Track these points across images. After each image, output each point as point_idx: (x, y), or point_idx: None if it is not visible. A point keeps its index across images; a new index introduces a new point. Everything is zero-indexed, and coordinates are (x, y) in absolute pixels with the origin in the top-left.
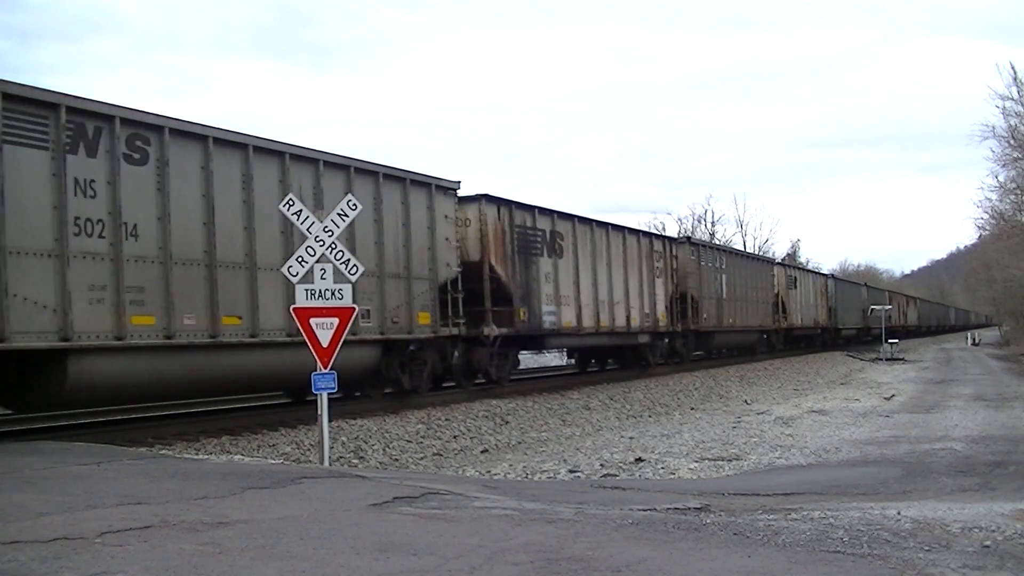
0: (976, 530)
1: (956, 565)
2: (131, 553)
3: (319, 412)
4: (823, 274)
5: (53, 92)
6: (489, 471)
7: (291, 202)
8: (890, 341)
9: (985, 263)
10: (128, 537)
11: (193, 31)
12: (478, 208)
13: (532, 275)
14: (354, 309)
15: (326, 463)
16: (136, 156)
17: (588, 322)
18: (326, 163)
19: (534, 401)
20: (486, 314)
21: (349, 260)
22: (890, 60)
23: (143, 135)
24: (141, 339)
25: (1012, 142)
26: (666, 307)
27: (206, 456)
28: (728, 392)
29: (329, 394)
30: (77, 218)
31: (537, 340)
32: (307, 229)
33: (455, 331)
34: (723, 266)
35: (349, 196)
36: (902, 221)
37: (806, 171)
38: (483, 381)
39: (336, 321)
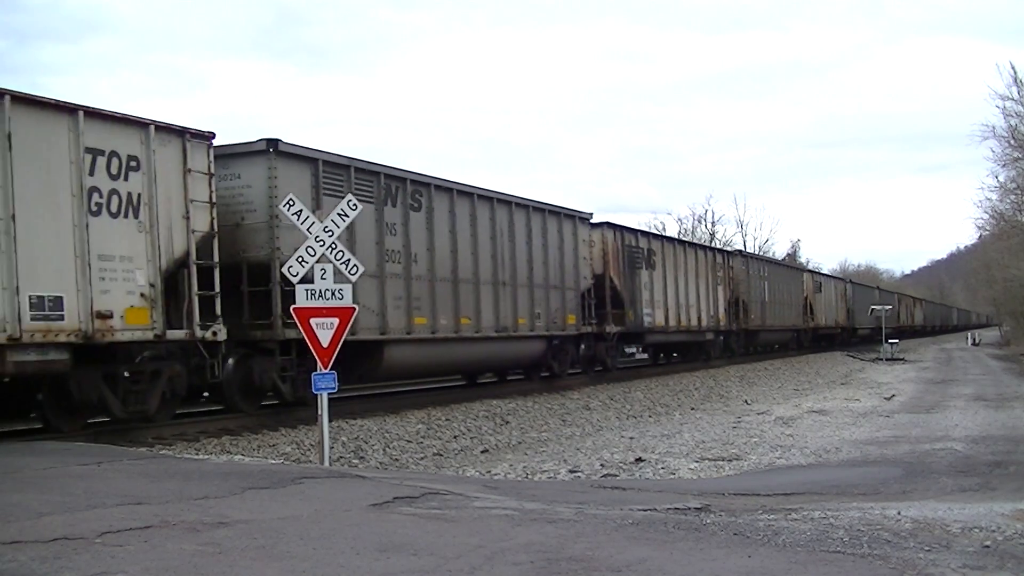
0: (976, 530)
1: (956, 565)
2: (131, 553)
3: (319, 412)
4: (842, 279)
5: (377, 164)
6: (489, 471)
7: (291, 202)
8: (890, 341)
9: (985, 263)
10: (128, 537)
11: (191, 31)
12: (601, 233)
13: (636, 284)
14: (354, 309)
15: (326, 463)
16: (415, 205)
17: (672, 322)
18: (516, 204)
19: (534, 401)
20: (607, 315)
21: (349, 260)
22: (888, 60)
23: (420, 190)
24: (419, 334)
25: (1012, 142)
26: (724, 309)
27: (206, 456)
28: (728, 392)
29: (329, 394)
30: (388, 250)
31: (637, 336)
32: (307, 229)
33: (589, 329)
34: (766, 274)
35: (349, 196)
36: (902, 221)
37: (805, 171)
38: (600, 368)
39: (336, 321)
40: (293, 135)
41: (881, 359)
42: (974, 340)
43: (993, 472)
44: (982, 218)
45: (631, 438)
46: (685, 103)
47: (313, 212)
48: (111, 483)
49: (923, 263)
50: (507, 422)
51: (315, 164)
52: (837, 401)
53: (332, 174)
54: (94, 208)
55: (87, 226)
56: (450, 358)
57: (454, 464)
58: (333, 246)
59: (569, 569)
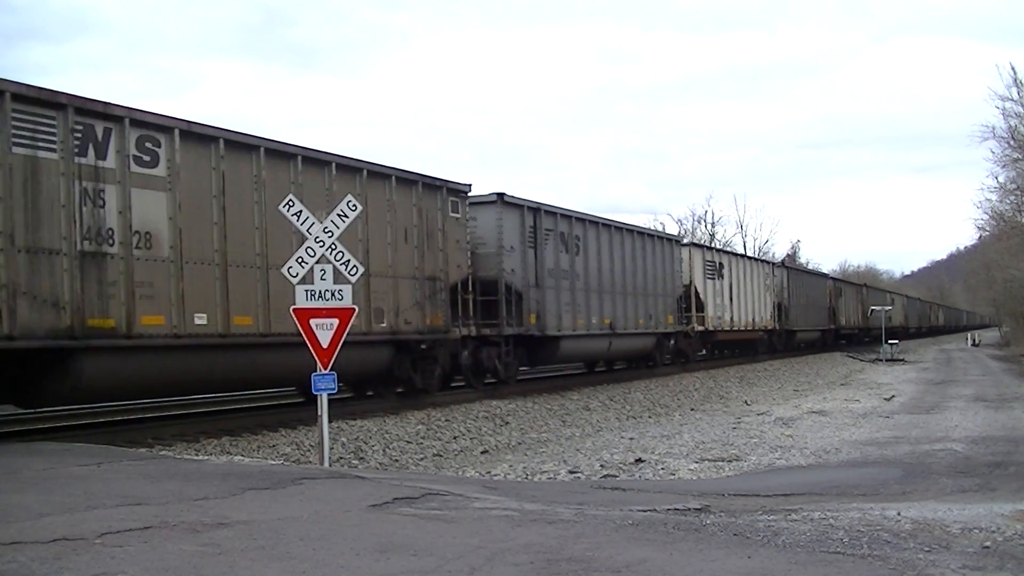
0: (976, 531)
1: (956, 566)
2: (131, 554)
3: (319, 413)
4: (859, 284)
5: (560, 207)
6: (489, 472)
7: (291, 203)
8: (890, 342)
9: (985, 264)
10: (128, 538)
11: (179, 32)
12: (689, 251)
13: (711, 292)
14: (354, 310)
15: (326, 464)
16: (578, 237)
17: (735, 323)
18: (637, 232)
19: (534, 402)
20: (692, 317)
21: (349, 261)
22: (877, 61)
23: (579, 225)
24: (576, 331)
25: (1012, 143)
26: (771, 313)
27: (206, 457)
28: (728, 393)
29: (329, 395)
30: (562, 269)
31: (711, 334)
32: (307, 230)
33: (682, 328)
34: (800, 282)
35: (349, 197)
36: (902, 222)
37: (800, 172)
38: (684, 360)
39: (336, 322)
40: (283, 136)
41: (881, 360)
42: (974, 341)
43: (993, 473)
44: (982, 219)
45: (631, 439)
46: (677, 104)
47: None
48: (111, 484)
49: (923, 264)
50: (507, 423)
51: (522, 210)
52: (837, 402)
53: (530, 215)
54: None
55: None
56: (597, 348)
57: (454, 465)
58: (333, 247)
59: (569, 570)
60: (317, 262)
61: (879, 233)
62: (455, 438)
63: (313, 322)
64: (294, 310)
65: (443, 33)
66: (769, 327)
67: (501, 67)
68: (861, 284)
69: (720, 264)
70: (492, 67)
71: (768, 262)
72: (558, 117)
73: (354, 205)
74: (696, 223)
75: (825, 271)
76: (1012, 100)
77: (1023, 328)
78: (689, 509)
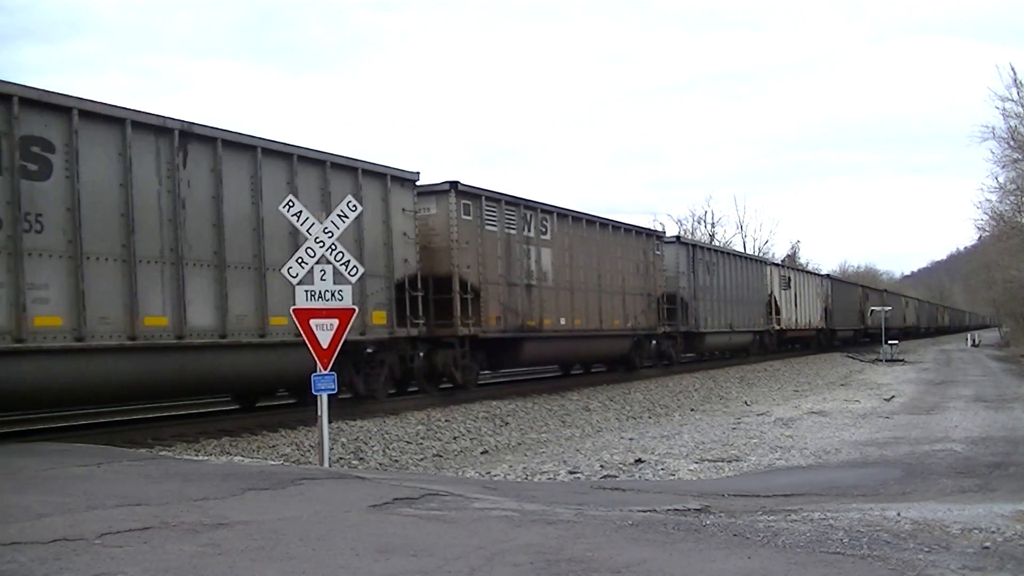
0: (976, 531)
1: (956, 566)
2: (131, 554)
3: (319, 413)
4: (882, 290)
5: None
6: (489, 472)
7: (291, 203)
8: (890, 342)
9: (985, 264)
10: (128, 538)
11: (173, 32)
12: (769, 268)
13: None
14: (354, 310)
15: (326, 464)
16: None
17: (799, 324)
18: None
19: (534, 402)
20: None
21: (349, 261)
22: (874, 61)
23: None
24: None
25: (1012, 143)
26: (821, 315)
27: (206, 457)
28: (728, 393)
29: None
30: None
31: (784, 332)
32: (307, 230)
33: (767, 327)
34: (841, 290)
35: (348, 197)
36: (901, 222)
37: (799, 172)
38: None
39: (336, 322)
40: (278, 136)
41: (880, 360)
42: (974, 341)
43: (993, 473)
44: (982, 219)
45: (631, 439)
46: (674, 104)
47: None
48: (111, 484)
49: (923, 264)
50: (507, 423)
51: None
52: (837, 402)
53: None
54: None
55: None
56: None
57: (454, 465)
58: (333, 247)
59: (569, 570)
60: (317, 262)
61: (879, 233)
62: (455, 438)
63: (313, 322)
64: (294, 310)
65: (439, 34)
66: (819, 327)
67: (497, 68)
68: (882, 290)
69: (789, 278)
70: (487, 68)
71: (817, 274)
72: (555, 117)
73: (354, 205)
74: (696, 223)
75: (838, 277)
76: (1012, 100)
77: (1023, 328)
78: (689, 509)
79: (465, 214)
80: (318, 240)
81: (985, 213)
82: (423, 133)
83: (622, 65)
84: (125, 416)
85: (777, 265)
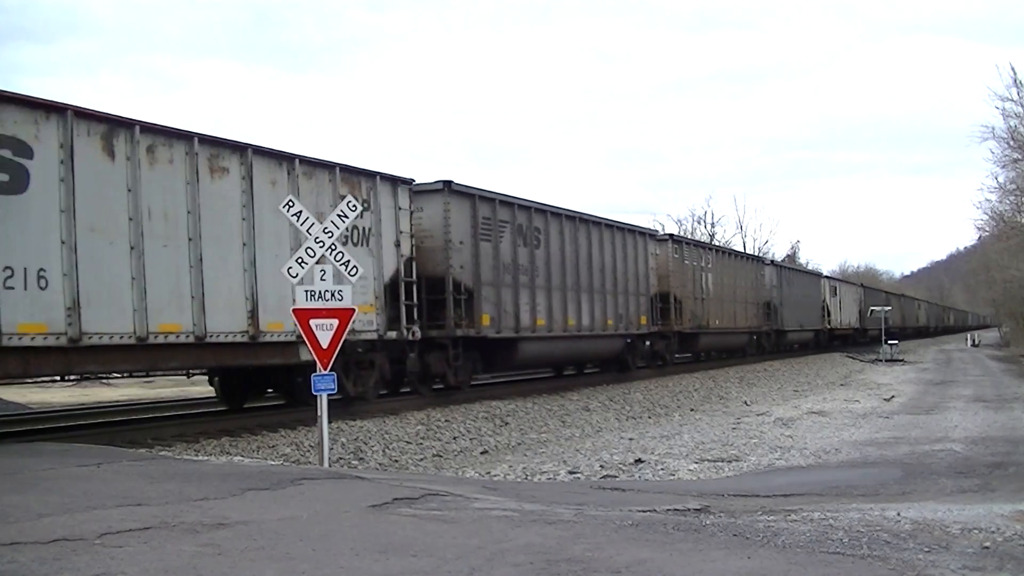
0: (976, 531)
1: (956, 566)
2: (131, 554)
3: (319, 413)
4: (886, 291)
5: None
6: (489, 472)
7: (291, 203)
8: (890, 342)
9: (985, 264)
10: (128, 538)
11: (168, 33)
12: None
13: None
14: (353, 311)
15: (326, 464)
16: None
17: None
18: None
19: (533, 402)
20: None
21: (349, 261)
22: (870, 61)
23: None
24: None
25: (1012, 143)
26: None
27: (206, 457)
28: (728, 393)
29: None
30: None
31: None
32: (307, 230)
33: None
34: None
35: (348, 197)
36: (901, 222)
37: (798, 172)
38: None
39: (336, 323)
40: (274, 136)
41: (880, 360)
42: (973, 341)
43: (992, 473)
44: (982, 219)
45: (630, 439)
46: (671, 104)
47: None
48: (111, 484)
49: (923, 264)
50: (507, 423)
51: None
52: (837, 402)
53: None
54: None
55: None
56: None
57: (453, 465)
58: (333, 247)
59: (569, 570)
60: (317, 263)
61: (879, 233)
62: (455, 438)
63: (313, 323)
64: (294, 310)
65: (435, 34)
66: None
67: (493, 68)
68: (900, 294)
69: (836, 287)
70: (484, 68)
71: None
72: (553, 117)
73: (354, 206)
74: (696, 223)
75: (822, 272)
76: (1012, 100)
77: (1023, 328)
78: (689, 509)
79: (774, 273)
80: (318, 240)
81: (985, 213)
82: (420, 133)
83: (619, 65)
84: (125, 416)
85: (827, 277)
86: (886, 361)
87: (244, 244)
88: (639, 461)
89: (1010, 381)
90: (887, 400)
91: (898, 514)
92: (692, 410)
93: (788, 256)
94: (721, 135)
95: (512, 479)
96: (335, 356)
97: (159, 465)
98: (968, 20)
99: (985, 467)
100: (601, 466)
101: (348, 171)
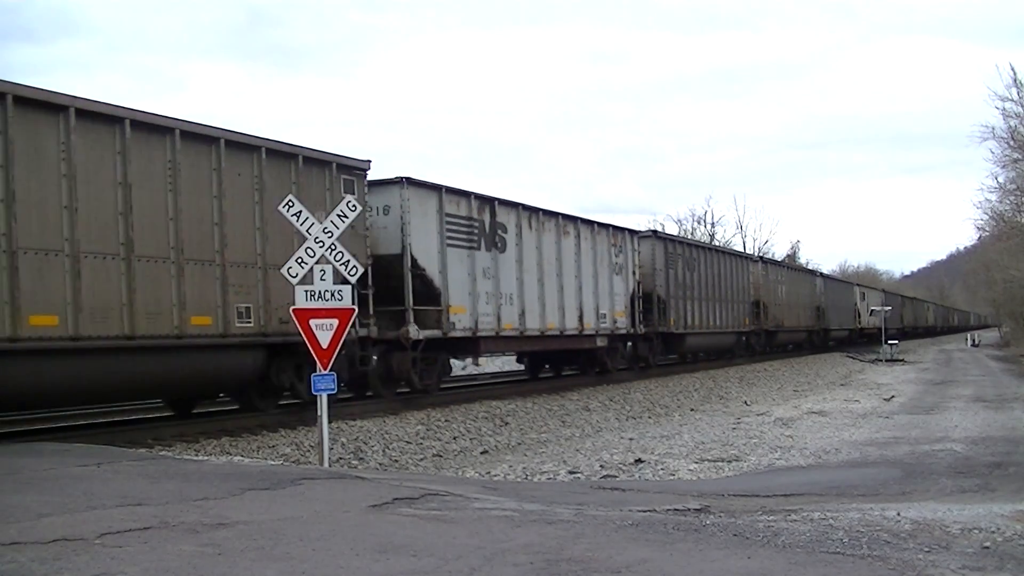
0: (976, 531)
1: (956, 566)
2: (131, 554)
3: (319, 413)
4: (902, 296)
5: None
6: (489, 472)
7: (290, 203)
8: (890, 342)
9: (985, 264)
10: (128, 538)
11: (164, 33)
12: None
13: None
14: (353, 310)
15: (326, 464)
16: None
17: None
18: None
19: (534, 402)
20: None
21: (349, 261)
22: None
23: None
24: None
25: (1012, 143)
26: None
27: (206, 457)
28: (728, 393)
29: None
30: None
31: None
32: (307, 230)
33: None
34: (831, 288)
35: (348, 197)
36: (901, 222)
37: (797, 172)
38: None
39: (336, 322)
40: (272, 136)
41: (880, 360)
42: (973, 341)
43: (992, 473)
44: (982, 219)
45: (630, 439)
46: (668, 104)
47: None
48: (111, 484)
49: (923, 264)
50: (506, 423)
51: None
52: (837, 402)
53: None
54: None
55: None
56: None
57: (453, 465)
58: (332, 247)
59: (569, 570)
60: (317, 263)
61: (878, 233)
62: (455, 438)
63: (313, 322)
64: (294, 310)
65: (431, 34)
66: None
67: (489, 68)
68: (912, 297)
69: (863, 293)
70: (480, 68)
71: (876, 288)
72: (548, 117)
73: (353, 205)
74: (696, 223)
75: (819, 270)
76: (1012, 100)
77: (1023, 328)
78: (689, 509)
79: (763, 271)
80: (318, 240)
81: (985, 213)
82: (416, 133)
83: (618, 65)
84: (125, 416)
85: (859, 285)
86: (886, 361)
87: (576, 276)
88: (639, 461)
89: (1010, 381)
90: (887, 400)
91: (898, 514)
92: (692, 410)
93: (788, 256)
94: (720, 135)
95: (512, 479)
96: (335, 356)
97: (159, 465)
98: (968, 20)
99: (985, 467)
100: (601, 466)
101: (615, 229)
